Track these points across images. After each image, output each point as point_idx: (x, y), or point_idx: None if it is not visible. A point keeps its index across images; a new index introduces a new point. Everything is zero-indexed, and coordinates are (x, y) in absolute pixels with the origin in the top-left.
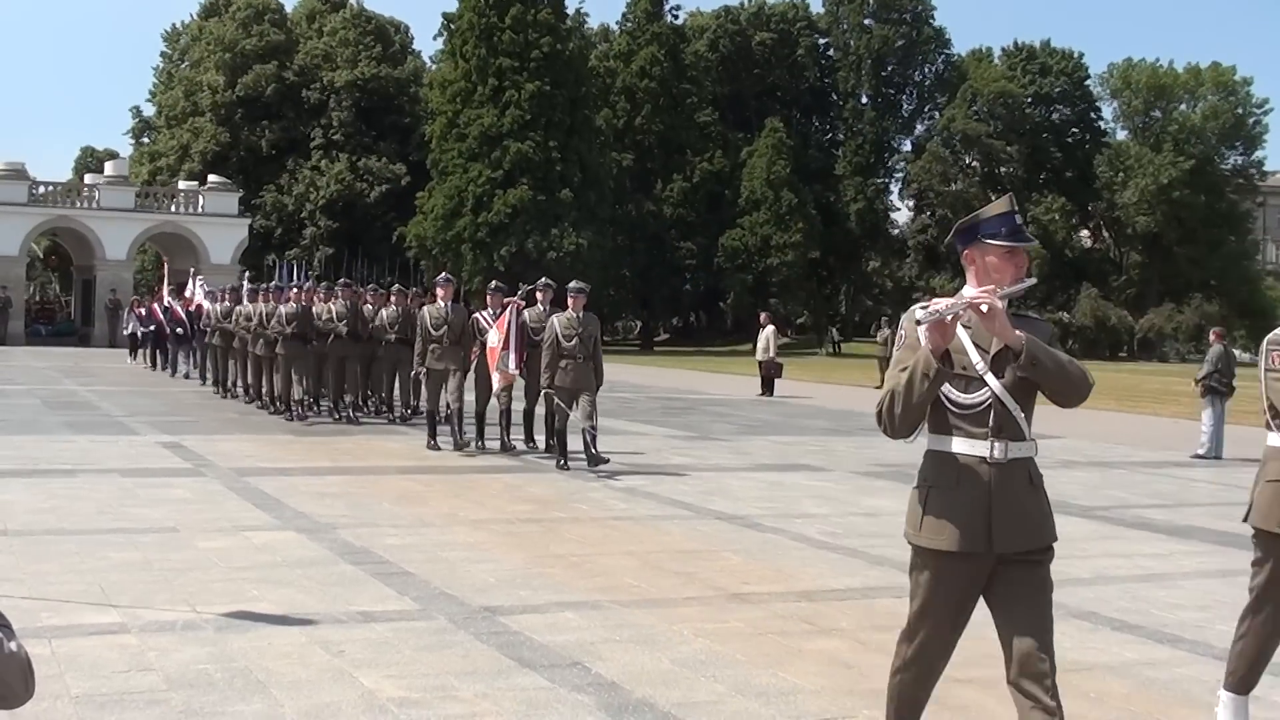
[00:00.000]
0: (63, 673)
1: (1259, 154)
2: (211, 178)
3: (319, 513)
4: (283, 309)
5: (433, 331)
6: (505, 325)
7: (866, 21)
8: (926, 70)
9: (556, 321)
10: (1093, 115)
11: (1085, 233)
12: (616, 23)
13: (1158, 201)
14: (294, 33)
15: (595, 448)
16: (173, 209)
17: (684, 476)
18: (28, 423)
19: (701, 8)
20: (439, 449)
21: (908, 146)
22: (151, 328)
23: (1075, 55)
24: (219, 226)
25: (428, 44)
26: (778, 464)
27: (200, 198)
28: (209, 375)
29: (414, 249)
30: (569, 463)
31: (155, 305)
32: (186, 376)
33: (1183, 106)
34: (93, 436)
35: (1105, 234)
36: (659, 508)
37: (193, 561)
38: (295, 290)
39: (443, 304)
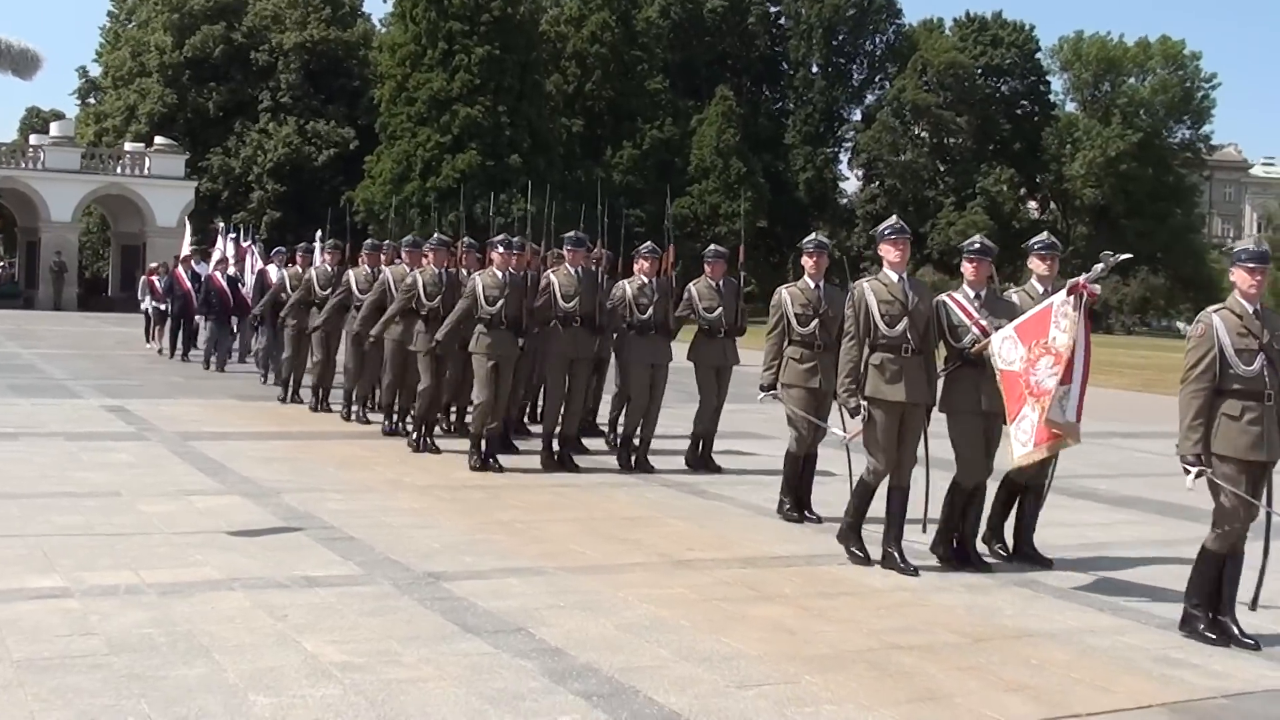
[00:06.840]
0: (4, 637)
1: (1206, 128)
2: (158, 140)
3: (263, 477)
4: (479, 278)
5: (799, 329)
6: (1055, 332)
7: None
8: (877, 40)
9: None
10: (1042, 88)
11: (1033, 204)
12: None
13: (1105, 174)
14: None
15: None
16: (118, 171)
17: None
18: None
19: None
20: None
21: (857, 116)
22: (163, 305)
23: (1026, 28)
24: (165, 189)
25: (377, 6)
26: (722, 431)
27: (146, 160)
28: (283, 370)
29: (361, 213)
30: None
31: (179, 272)
32: (221, 368)
33: (1131, 80)
34: (36, 399)
35: (1053, 206)
36: (603, 475)
37: (136, 526)
38: (474, 250)
39: (810, 282)
